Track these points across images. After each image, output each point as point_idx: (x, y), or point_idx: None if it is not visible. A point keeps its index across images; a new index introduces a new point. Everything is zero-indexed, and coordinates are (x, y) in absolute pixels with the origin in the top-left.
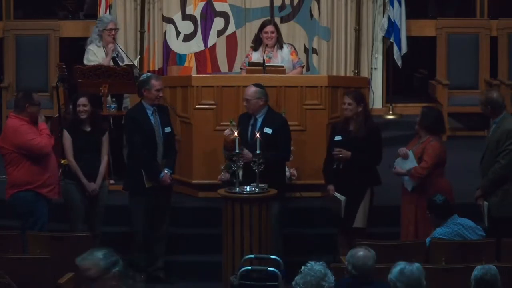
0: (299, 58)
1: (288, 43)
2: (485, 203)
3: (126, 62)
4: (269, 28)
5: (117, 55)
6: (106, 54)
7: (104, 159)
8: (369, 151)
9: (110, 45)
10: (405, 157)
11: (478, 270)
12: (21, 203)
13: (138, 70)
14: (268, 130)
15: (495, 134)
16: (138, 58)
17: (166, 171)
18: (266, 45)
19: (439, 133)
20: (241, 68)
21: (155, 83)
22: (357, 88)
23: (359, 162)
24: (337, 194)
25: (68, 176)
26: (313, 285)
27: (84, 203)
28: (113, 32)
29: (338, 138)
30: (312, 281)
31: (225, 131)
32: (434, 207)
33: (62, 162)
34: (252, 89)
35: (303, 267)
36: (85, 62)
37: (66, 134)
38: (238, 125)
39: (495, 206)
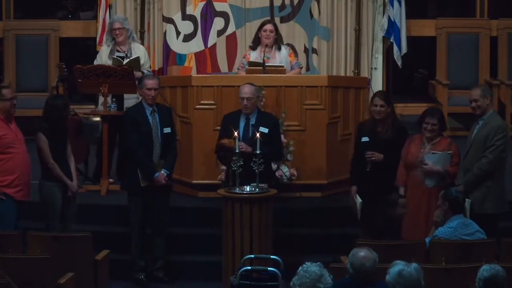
0: (297, 59)
1: (287, 44)
2: (467, 200)
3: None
4: (268, 26)
5: (126, 55)
6: (110, 52)
7: (72, 159)
8: (396, 151)
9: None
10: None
11: (487, 271)
12: None
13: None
14: (264, 130)
15: (482, 130)
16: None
17: (162, 172)
18: (266, 45)
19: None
20: (238, 69)
21: (147, 82)
22: (357, 88)
23: (391, 163)
24: (356, 197)
25: (47, 178)
26: (309, 287)
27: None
28: (117, 32)
29: (365, 139)
30: (307, 283)
31: (223, 140)
32: (450, 197)
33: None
34: (251, 87)
35: (300, 268)
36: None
37: (42, 137)
38: (222, 126)
39: (477, 202)
